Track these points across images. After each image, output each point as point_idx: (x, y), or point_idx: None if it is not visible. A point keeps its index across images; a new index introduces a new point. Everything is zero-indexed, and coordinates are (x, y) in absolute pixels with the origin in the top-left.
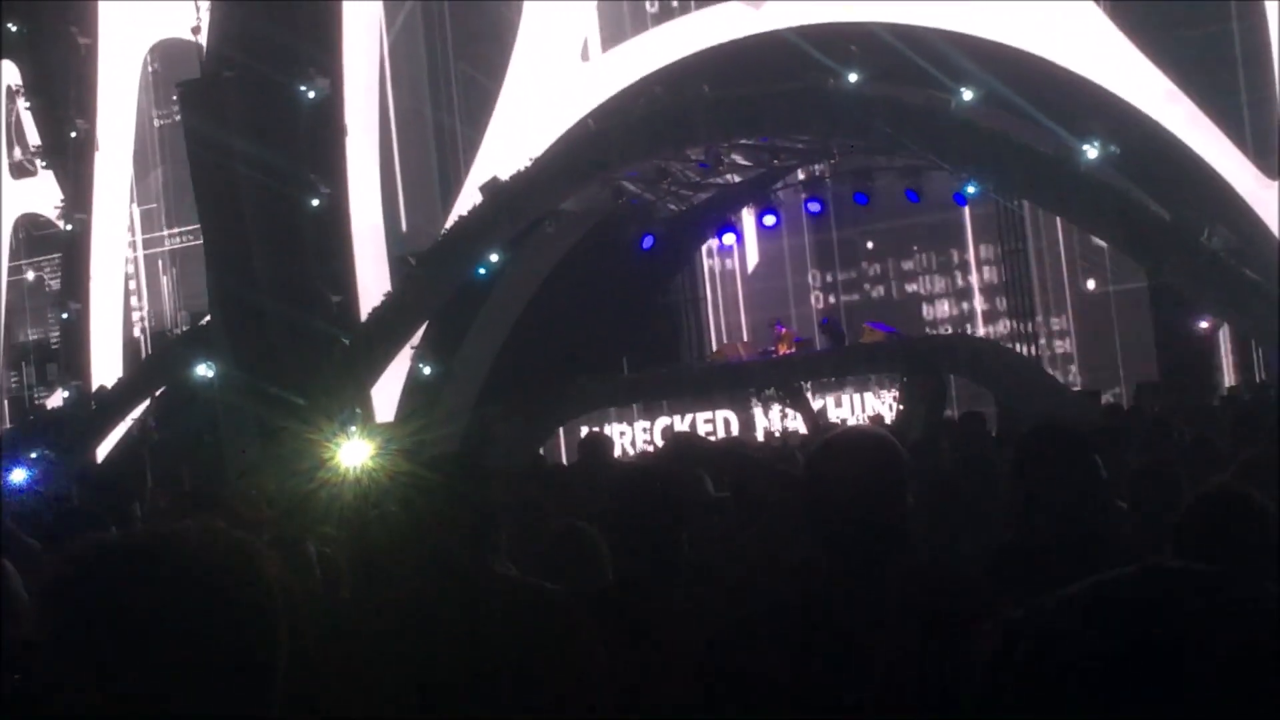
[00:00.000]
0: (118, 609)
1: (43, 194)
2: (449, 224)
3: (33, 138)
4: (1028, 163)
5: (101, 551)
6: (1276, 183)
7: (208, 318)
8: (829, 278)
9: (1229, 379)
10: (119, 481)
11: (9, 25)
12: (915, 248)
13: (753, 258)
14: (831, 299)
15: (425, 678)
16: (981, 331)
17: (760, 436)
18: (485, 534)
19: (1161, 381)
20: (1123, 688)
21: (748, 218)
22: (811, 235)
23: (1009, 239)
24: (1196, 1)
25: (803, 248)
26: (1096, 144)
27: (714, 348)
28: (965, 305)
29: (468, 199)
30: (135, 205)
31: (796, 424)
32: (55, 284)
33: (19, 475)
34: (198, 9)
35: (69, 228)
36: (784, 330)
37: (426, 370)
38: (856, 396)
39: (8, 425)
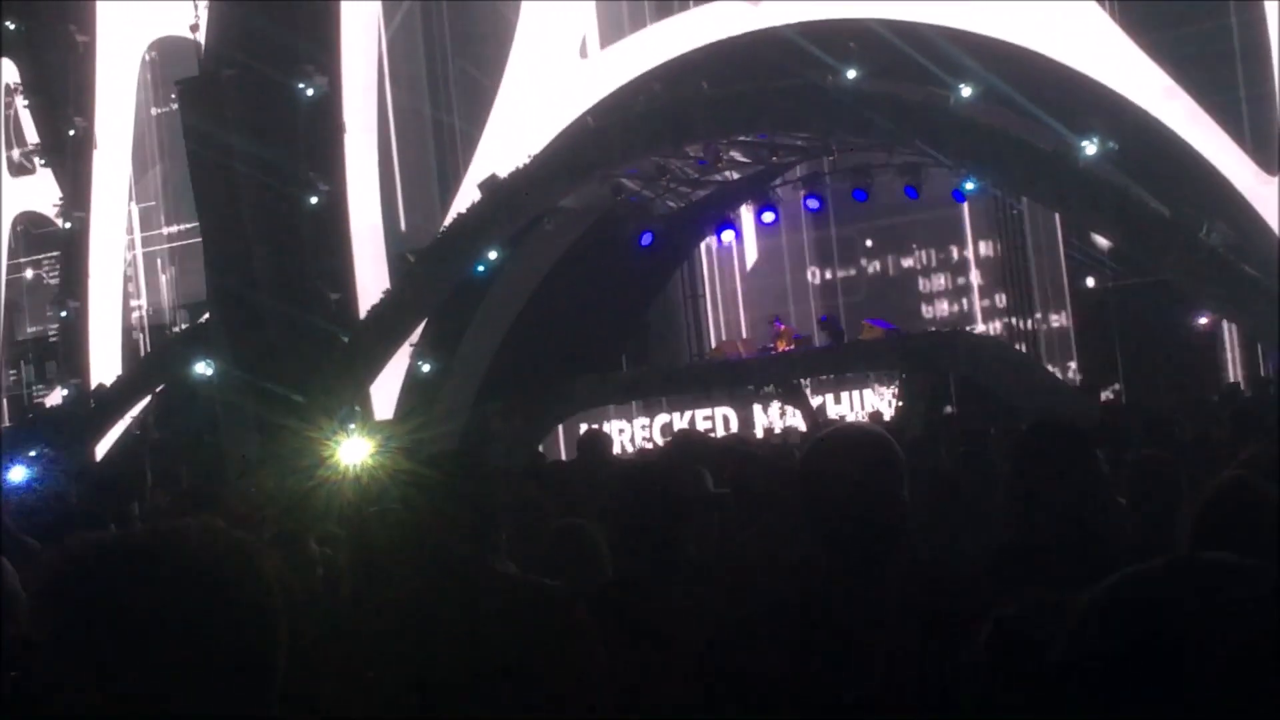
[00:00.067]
0: (116, 608)
1: (41, 192)
2: (448, 221)
3: (31, 136)
4: (1027, 159)
5: (99, 550)
6: (1276, 179)
7: (207, 315)
8: (828, 275)
9: (1235, 375)
10: (119, 480)
11: (7, 23)
12: (914, 245)
13: (751, 255)
14: (830, 296)
15: (425, 676)
16: (980, 328)
17: (759, 434)
18: (485, 532)
19: (1161, 378)
20: (1161, 682)
21: (746, 215)
22: (810, 232)
23: (1008, 236)
24: None
25: (801, 245)
26: (1095, 140)
27: (713, 345)
28: (964, 302)
29: (466, 196)
30: (134, 204)
31: (796, 421)
32: (54, 281)
33: (18, 473)
34: (196, 7)
35: (68, 226)
36: (783, 327)
37: (426, 368)
38: (856, 394)
39: (7, 423)
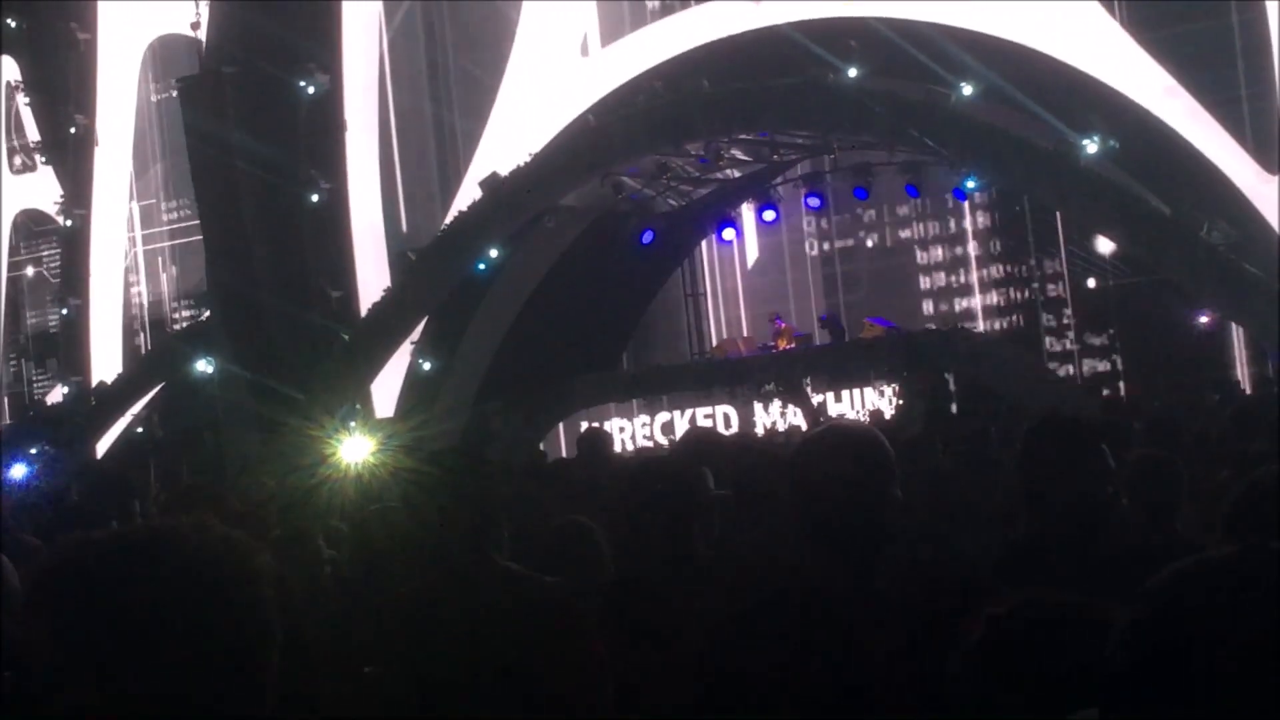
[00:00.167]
0: (109, 606)
1: (43, 190)
2: (449, 219)
3: (32, 133)
4: (1027, 158)
5: (93, 549)
6: (1276, 177)
7: (208, 313)
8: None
9: (1242, 374)
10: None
11: (8, 21)
12: (915, 243)
13: (752, 253)
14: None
15: (426, 672)
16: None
17: (760, 432)
18: (486, 529)
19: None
20: (1233, 677)
21: (747, 213)
22: (811, 230)
23: (1009, 234)
24: None
25: (802, 243)
26: (1096, 139)
27: (714, 343)
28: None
29: (467, 194)
30: (135, 202)
31: (797, 419)
32: (56, 281)
33: (19, 471)
34: (197, 5)
35: (68, 223)
36: (783, 325)
37: (426, 366)
38: (856, 392)
39: (7, 421)
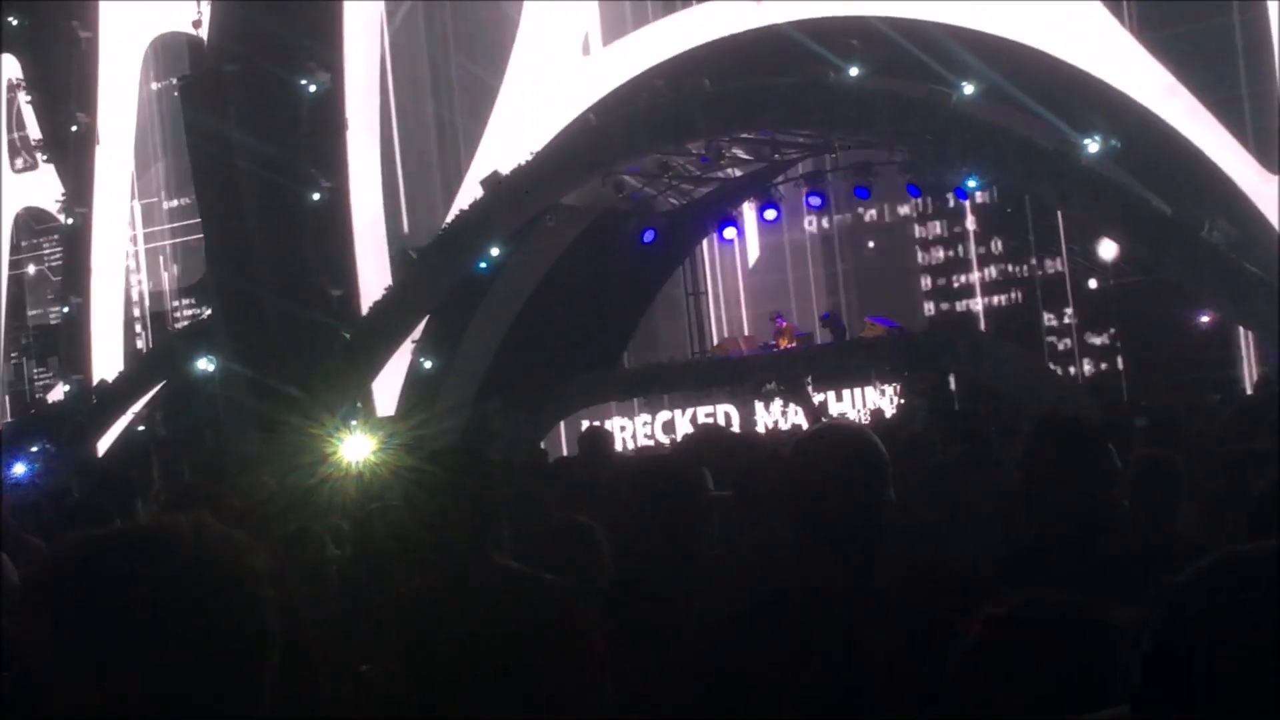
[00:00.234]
0: (106, 604)
1: (44, 188)
2: (450, 218)
3: (34, 131)
4: (1029, 157)
5: (90, 547)
6: (1277, 177)
7: (208, 311)
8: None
9: (1250, 372)
10: (124, 476)
11: (10, 19)
12: (916, 242)
13: (753, 252)
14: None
15: (426, 670)
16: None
17: (761, 431)
18: (487, 528)
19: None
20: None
21: (748, 212)
22: (812, 229)
23: (1011, 234)
24: None
25: (803, 241)
26: (1098, 138)
27: (715, 341)
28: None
29: (468, 193)
30: (136, 200)
31: (799, 419)
32: (57, 278)
33: (19, 469)
34: (199, 3)
35: (70, 222)
36: (784, 324)
37: (427, 364)
38: (858, 391)
39: (8, 419)
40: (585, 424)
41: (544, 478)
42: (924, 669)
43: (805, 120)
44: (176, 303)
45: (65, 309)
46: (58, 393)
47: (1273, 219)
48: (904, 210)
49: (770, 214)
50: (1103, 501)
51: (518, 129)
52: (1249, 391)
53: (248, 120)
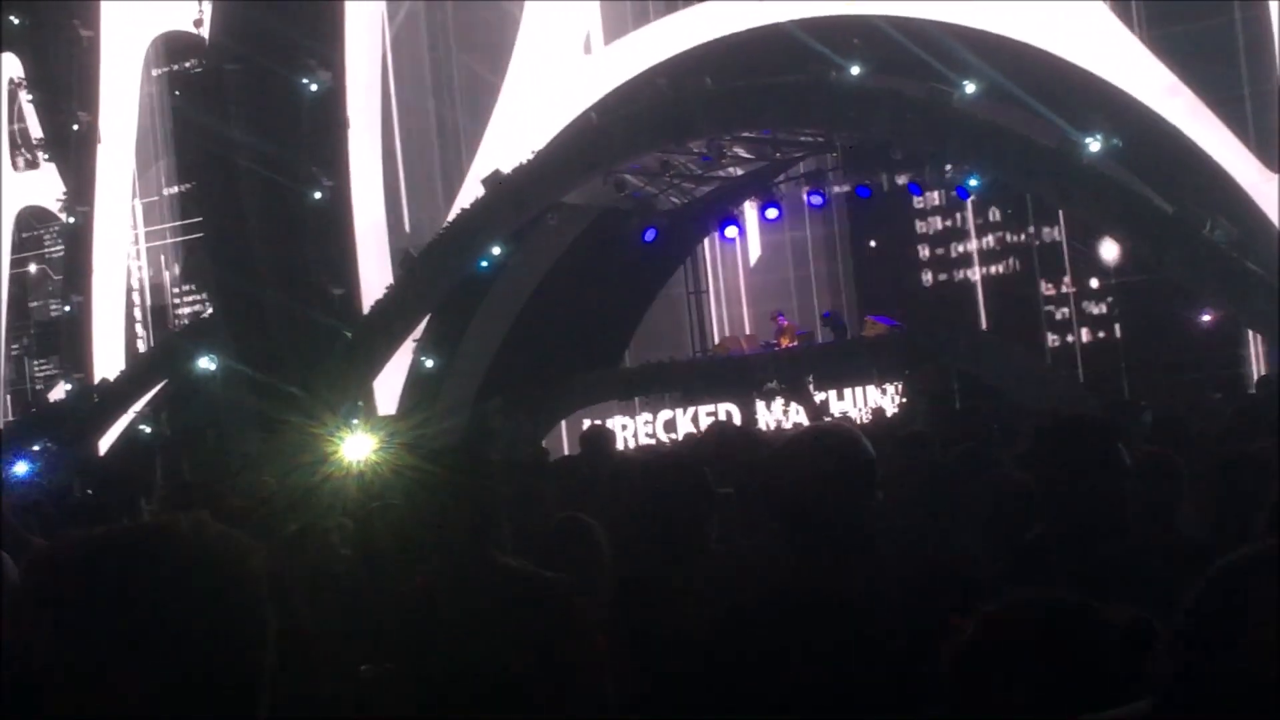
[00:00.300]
0: (103, 603)
1: (45, 187)
2: (451, 217)
3: (35, 130)
4: (1030, 156)
5: (91, 546)
6: (1278, 175)
7: (209, 311)
8: (830, 270)
9: (1256, 371)
10: (127, 475)
11: (11, 18)
12: (917, 241)
13: (755, 251)
14: (833, 292)
15: (428, 668)
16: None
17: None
18: (487, 526)
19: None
20: None
21: (750, 210)
22: (814, 228)
23: (1013, 234)
24: None
25: (805, 240)
26: (1099, 137)
27: (716, 340)
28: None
29: (470, 192)
30: (138, 200)
31: (801, 418)
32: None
33: (21, 468)
34: (200, 2)
35: (71, 220)
36: (785, 323)
37: (428, 363)
38: (859, 390)
39: (9, 416)
40: (586, 423)
41: (545, 477)
42: (924, 669)
43: (806, 119)
44: (177, 300)
45: (67, 308)
46: (59, 391)
47: (1274, 218)
48: (905, 207)
49: (772, 213)
50: (1115, 499)
51: (519, 128)
52: (1249, 391)
53: (249, 119)
